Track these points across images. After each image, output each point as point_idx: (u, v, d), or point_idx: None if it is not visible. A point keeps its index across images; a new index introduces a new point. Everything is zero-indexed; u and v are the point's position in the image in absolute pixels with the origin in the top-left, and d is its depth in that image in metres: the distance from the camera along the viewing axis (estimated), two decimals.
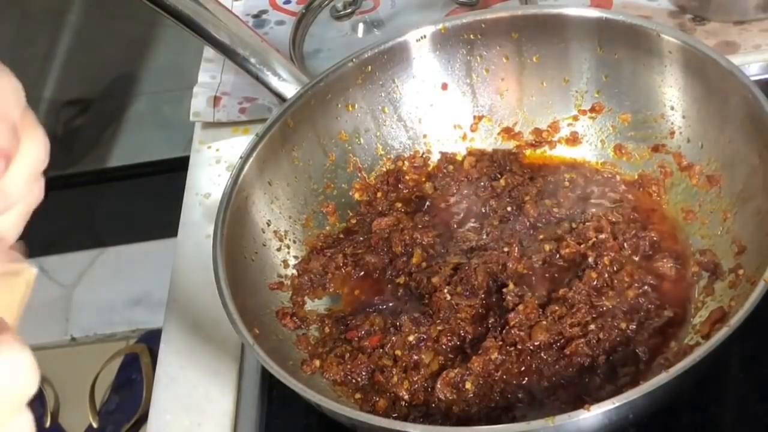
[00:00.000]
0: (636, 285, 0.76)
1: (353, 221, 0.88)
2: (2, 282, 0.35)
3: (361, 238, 0.86)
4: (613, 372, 0.71)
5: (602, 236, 0.79)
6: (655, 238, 0.80)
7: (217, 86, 1.05)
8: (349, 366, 0.75)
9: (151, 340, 1.82)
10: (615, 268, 0.77)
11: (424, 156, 0.91)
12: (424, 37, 0.88)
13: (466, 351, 0.75)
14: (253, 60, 0.89)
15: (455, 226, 0.85)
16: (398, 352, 0.75)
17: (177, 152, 1.88)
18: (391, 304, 0.80)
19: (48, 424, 1.78)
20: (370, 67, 0.88)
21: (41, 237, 2.02)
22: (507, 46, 0.88)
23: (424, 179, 0.90)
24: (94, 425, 1.75)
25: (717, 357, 0.64)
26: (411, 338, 0.76)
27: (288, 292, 0.82)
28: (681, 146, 0.83)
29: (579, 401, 0.69)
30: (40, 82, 2.16)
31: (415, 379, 0.74)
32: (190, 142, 1.03)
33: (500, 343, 0.74)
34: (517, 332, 0.74)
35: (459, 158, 0.91)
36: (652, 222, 0.82)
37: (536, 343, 0.73)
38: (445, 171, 0.90)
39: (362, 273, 0.84)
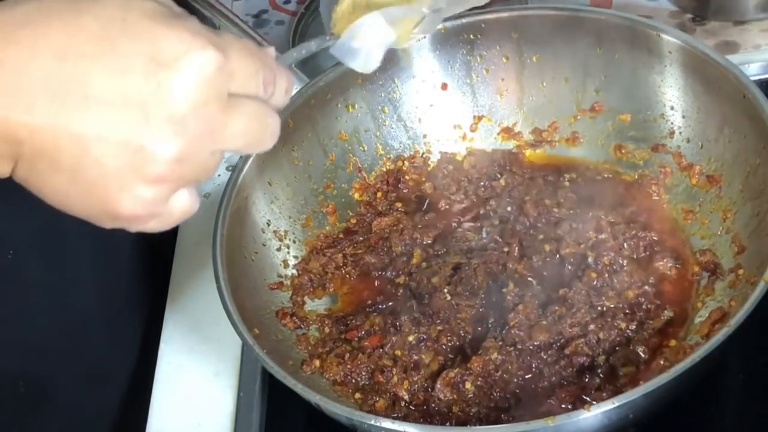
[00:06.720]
0: (636, 285, 0.76)
1: (353, 221, 0.88)
2: None
3: (361, 238, 0.86)
4: (613, 372, 0.71)
5: (602, 236, 0.79)
6: (655, 238, 0.80)
7: None
8: (349, 366, 0.75)
9: None
10: (615, 268, 0.77)
11: (424, 156, 0.91)
12: (424, 37, 0.88)
13: (466, 351, 0.75)
14: None
15: (455, 226, 0.85)
16: (398, 352, 0.75)
17: None
18: (391, 304, 0.80)
19: None
20: None
21: None
22: (507, 46, 0.88)
23: (424, 179, 0.90)
24: None
25: (717, 357, 0.64)
26: (411, 338, 0.76)
27: (288, 292, 0.82)
28: (681, 146, 0.83)
29: (579, 401, 0.69)
30: None
31: (415, 379, 0.74)
32: None
33: (500, 343, 0.74)
34: (517, 332, 0.74)
35: (459, 158, 0.91)
36: (652, 222, 0.81)
37: (536, 343, 0.73)
38: (445, 171, 0.90)
39: (362, 273, 0.84)
